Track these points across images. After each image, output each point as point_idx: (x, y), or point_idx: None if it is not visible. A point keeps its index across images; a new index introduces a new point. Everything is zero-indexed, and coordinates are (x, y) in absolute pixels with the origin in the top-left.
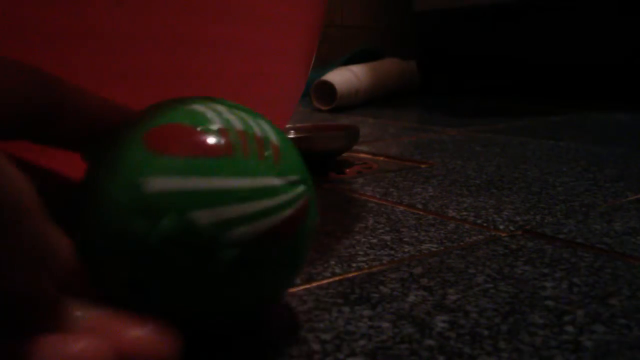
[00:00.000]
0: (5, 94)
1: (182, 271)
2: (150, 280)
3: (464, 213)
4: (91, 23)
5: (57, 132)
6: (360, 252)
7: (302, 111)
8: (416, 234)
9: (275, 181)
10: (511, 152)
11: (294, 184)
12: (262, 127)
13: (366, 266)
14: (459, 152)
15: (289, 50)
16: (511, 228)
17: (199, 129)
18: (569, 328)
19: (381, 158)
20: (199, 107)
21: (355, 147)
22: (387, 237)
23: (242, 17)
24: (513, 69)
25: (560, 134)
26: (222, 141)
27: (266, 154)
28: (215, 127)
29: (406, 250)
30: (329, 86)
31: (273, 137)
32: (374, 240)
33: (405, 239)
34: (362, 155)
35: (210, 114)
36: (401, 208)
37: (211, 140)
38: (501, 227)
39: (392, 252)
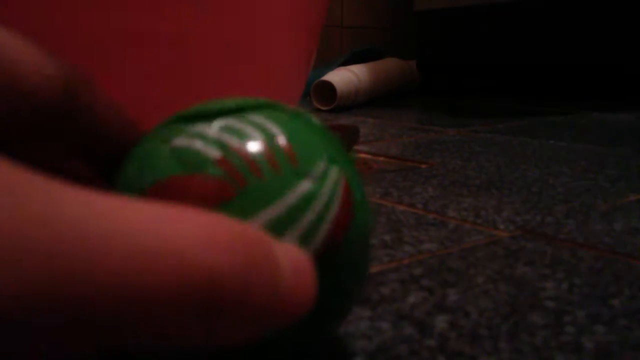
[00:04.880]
0: (35, 59)
1: None
2: None
3: (464, 213)
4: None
5: (64, 128)
6: None
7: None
8: (416, 234)
9: (305, 186)
10: (511, 152)
11: (323, 175)
12: (262, 129)
13: None
14: (459, 152)
15: (289, 50)
16: (511, 228)
17: (196, 175)
18: (570, 329)
19: (381, 158)
20: (189, 141)
21: (355, 147)
22: (387, 237)
23: (242, 17)
24: (513, 69)
25: (560, 134)
26: (225, 174)
27: (281, 161)
28: (210, 160)
29: (406, 250)
30: (329, 86)
31: (277, 132)
32: (374, 240)
33: (405, 239)
34: (362, 155)
35: (198, 145)
36: (401, 208)
37: (214, 183)
38: (501, 227)
39: (392, 252)
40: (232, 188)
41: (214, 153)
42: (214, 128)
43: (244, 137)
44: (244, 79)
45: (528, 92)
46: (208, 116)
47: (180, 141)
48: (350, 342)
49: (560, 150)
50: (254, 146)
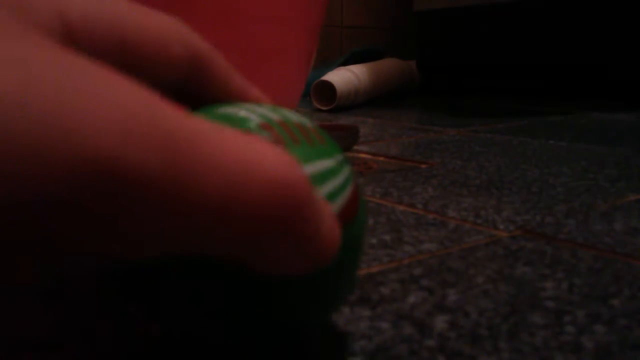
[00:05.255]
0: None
1: None
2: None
3: (464, 213)
4: None
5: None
6: None
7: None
8: (416, 234)
9: (330, 162)
10: (511, 152)
11: (342, 164)
12: (293, 115)
13: (366, 266)
14: (459, 152)
15: (289, 50)
16: (511, 228)
17: (241, 130)
18: (570, 328)
19: (381, 158)
20: (229, 110)
21: (355, 147)
22: (387, 237)
23: (242, 18)
24: (513, 68)
25: (560, 134)
26: (271, 135)
27: (312, 137)
28: (254, 124)
29: (406, 250)
30: (329, 86)
31: (306, 121)
32: (374, 240)
33: (405, 239)
34: (362, 155)
35: (243, 113)
36: (401, 208)
37: (260, 138)
38: (501, 227)
39: (392, 252)
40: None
41: (258, 120)
42: (257, 107)
43: (281, 114)
44: (244, 79)
45: (528, 92)
46: (236, 105)
47: (227, 109)
48: (350, 342)
49: (560, 150)
50: (290, 121)
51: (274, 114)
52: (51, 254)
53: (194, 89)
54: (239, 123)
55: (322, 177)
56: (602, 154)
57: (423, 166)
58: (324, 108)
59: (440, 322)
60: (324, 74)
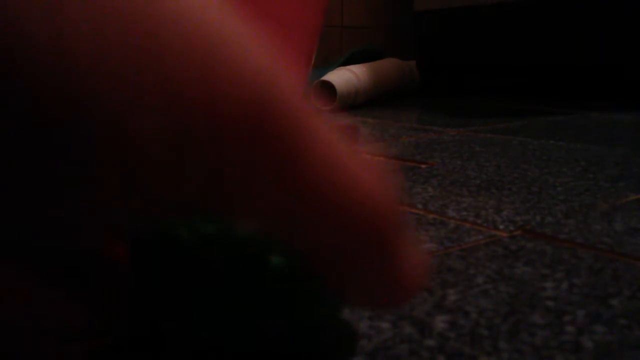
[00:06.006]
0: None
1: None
2: None
3: (464, 213)
4: None
5: None
6: None
7: None
8: (416, 234)
9: None
10: (511, 152)
11: None
12: None
13: None
14: (459, 152)
15: (289, 50)
16: (511, 228)
17: None
18: (569, 328)
19: (381, 158)
20: None
21: (355, 147)
22: None
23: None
24: (513, 69)
25: (560, 134)
26: None
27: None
28: None
29: None
30: (329, 86)
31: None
32: None
33: None
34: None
35: None
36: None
37: None
38: (501, 227)
39: None
40: None
41: None
42: None
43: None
44: None
45: (528, 92)
46: None
47: None
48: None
49: (560, 150)
50: None
51: None
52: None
53: None
54: None
55: None
56: (602, 154)
57: (423, 166)
58: (324, 108)
59: (440, 322)
60: (324, 74)
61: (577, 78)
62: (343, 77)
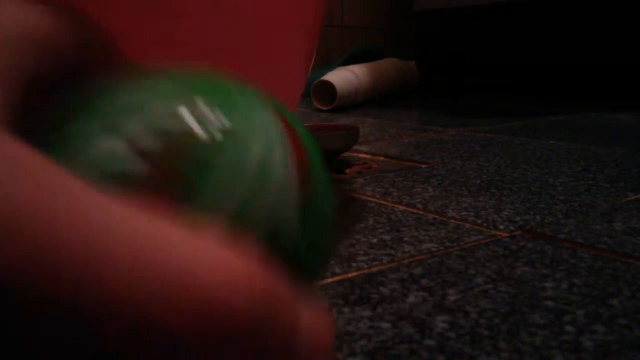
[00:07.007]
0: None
1: None
2: None
3: (464, 213)
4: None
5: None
6: (360, 252)
7: (302, 111)
8: (416, 234)
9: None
10: (511, 152)
11: (247, 125)
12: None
13: (366, 266)
14: (459, 152)
15: (288, 50)
16: (511, 228)
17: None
18: (569, 328)
19: (381, 158)
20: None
21: (355, 147)
22: (387, 237)
23: (242, 18)
24: (513, 69)
25: (560, 134)
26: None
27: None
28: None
29: (406, 250)
30: (329, 86)
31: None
32: (374, 240)
33: (405, 239)
34: (362, 155)
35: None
36: (401, 208)
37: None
38: (501, 227)
39: (392, 252)
40: None
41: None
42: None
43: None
44: (244, 79)
45: (528, 92)
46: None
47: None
48: (350, 342)
49: (560, 150)
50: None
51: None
52: None
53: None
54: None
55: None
56: (602, 154)
57: (423, 166)
58: (324, 108)
59: (440, 322)
60: (324, 74)
61: (577, 78)
62: (343, 77)
